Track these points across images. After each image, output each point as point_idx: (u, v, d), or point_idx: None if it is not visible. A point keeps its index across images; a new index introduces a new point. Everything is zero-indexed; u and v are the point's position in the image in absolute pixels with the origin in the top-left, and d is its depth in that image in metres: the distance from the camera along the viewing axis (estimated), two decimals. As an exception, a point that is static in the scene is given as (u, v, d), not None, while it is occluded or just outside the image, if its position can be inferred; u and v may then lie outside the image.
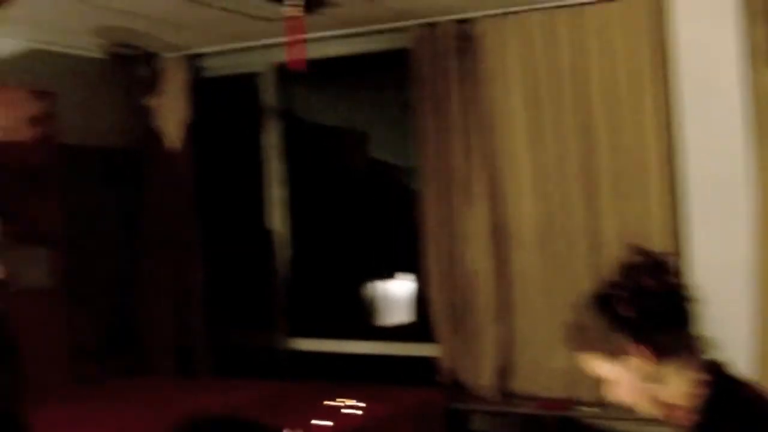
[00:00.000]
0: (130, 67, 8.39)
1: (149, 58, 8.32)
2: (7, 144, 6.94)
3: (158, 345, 8.23)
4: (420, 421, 6.73)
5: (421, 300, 7.68)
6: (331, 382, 7.26)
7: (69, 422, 6.20)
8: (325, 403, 6.38)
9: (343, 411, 6.27)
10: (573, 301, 3.24)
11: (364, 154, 9.04)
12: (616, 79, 6.77)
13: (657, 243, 6.40)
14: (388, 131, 8.95)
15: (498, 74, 7.11)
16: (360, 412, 6.27)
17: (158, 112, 8.31)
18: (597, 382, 3.27)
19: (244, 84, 8.38)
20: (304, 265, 8.33)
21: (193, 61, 8.33)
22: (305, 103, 8.69)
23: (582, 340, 3.21)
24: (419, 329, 7.85)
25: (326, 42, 7.63)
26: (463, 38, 7.20)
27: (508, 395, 7.16)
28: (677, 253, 6.44)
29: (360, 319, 8.76)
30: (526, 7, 6.97)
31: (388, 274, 8.83)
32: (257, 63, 8.24)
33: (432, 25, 7.26)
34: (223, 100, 8.59)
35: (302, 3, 4.94)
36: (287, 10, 4.90)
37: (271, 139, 8.28)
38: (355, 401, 6.39)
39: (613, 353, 3.13)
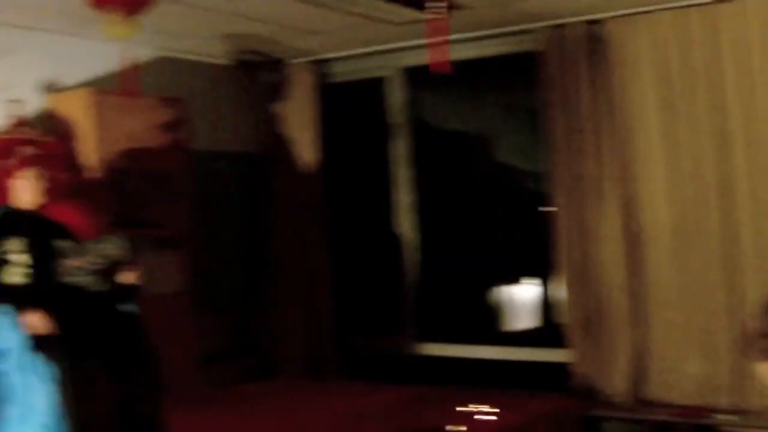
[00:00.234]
0: (257, 73, 8.45)
1: (276, 64, 8.37)
2: (140, 151, 7.03)
3: (287, 349, 8.27)
4: (554, 428, 6.64)
5: (548, 305, 7.59)
6: (460, 387, 7.21)
7: (203, 426, 6.23)
8: (458, 408, 6.33)
9: (477, 417, 6.20)
10: (751, 309, 3.11)
11: (490, 159, 8.96)
12: (752, 78, 6.59)
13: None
14: (514, 135, 8.86)
15: (629, 76, 6.99)
16: (494, 418, 6.21)
17: (286, 117, 8.35)
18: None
19: (371, 88, 8.36)
20: (431, 270, 8.28)
21: (320, 66, 8.35)
22: (432, 107, 8.64)
23: (765, 348, 3.05)
24: (546, 334, 7.76)
25: (454, 46, 7.53)
26: (594, 39, 7.09)
27: (641, 402, 7.02)
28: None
29: (487, 323, 8.68)
30: (657, 7, 6.84)
31: (514, 279, 8.74)
32: (384, 67, 8.23)
33: (561, 27, 7.17)
34: (350, 105, 8.58)
35: (445, 5, 4.90)
36: (430, 12, 4.86)
37: (399, 143, 8.25)
38: (487, 407, 6.32)
39: None
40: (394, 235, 8.26)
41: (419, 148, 8.25)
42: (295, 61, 8.31)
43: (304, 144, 8.25)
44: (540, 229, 7.45)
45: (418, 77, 8.12)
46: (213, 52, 8.00)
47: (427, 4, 4.94)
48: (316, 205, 8.27)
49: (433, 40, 4.97)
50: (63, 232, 5.44)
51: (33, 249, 5.28)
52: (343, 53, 8.18)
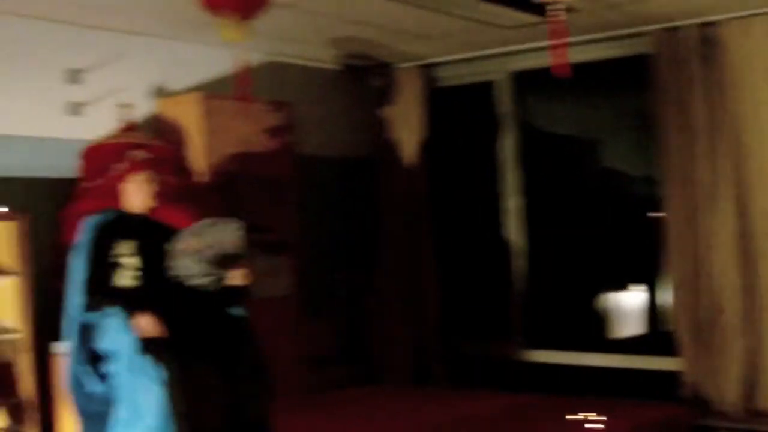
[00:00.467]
0: (364, 77, 8.46)
1: (384, 68, 8.37)
2: (250, 155, 7.08)
3: (393, 354, 8.25)
4: (664, 437, 6.54)
5: (657, 311, 7.48)
6: (567, 395, 7.13)
7: (308, 430, 6.23)
8: (567, 417, 6.25)
9: (586, 426, 6.12)
10: None
11: (598, 163, 8.87)
12: None
13: None
14: (622, 139, 8.77)
15: (745, 79, 6.84)
16: (602, 427, 6.11)
17: (393, 122, 8.34)
18: None
19: (479, 93, 8.31)
20: (539, 275, 8.20)
21: (428, 70, 8.33)
22: (539, 111, 8.57)
23: None
24: (655, 341, 7.65)
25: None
26: (707, 42, 6.97)
27: (753, 413, 6.88)
28: None
29: (594, 330, 8.59)
30: (772, 8, 6.72)
31: (622, 285, 8.64)
32: (492, 71, 8.18)
33: (674, 30, 7.06)
34: (458, 109, 8.54)
35: (564, 7, 4.85)
36: (551, 15, 4.82)
37: (507, 148, 8.19)
38: (595, 415, 6.24)
39: None
40: (501, 239, 8.20)
41: (526, 152, 8.19)
42: (403, 65, 8.31)
43: (411, 148, 8.24)
44: (648, 234, 7.35)
45: (526, 81, 8.07)
46: (321, 56, 8.03)
47: (548, 7, 4.89)
48: (423, 209, 8.24)
49: (554, 42, 4.92)
50: (173, 235, 5.47)
51: (143, 252, 5.33)
52: (451, 57, 8.15)
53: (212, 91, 7.07)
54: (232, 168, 6.99)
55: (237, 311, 5.49)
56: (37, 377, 5.84)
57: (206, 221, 5.40)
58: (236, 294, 5.43)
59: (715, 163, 6.93)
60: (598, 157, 8.91)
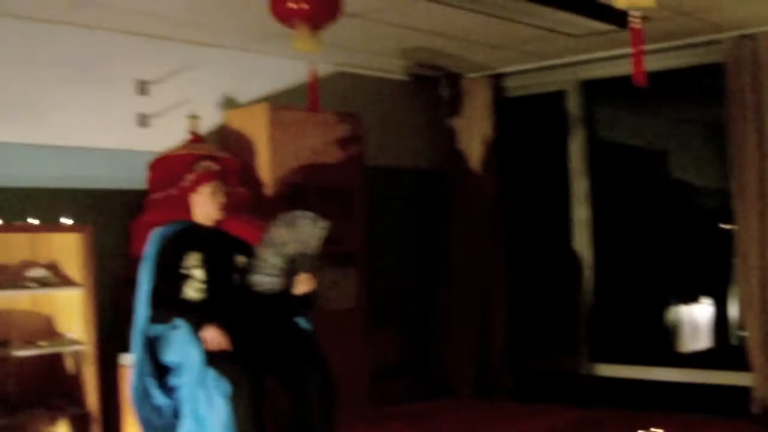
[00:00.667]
0: (432, 88, 8.44)
1: (452, 78, 8.35)
2: (317, 166, 7.07)
3: (459, 367, 8.20)
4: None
5: (726, 325, 7.38)
6: (635, 410, 7.05)
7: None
8: (638, 432, 6.19)
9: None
10: None
11: (666, 174, 8.79)
12: None
13: None
14: (690, 150, 8.69)
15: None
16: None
17: (461, 132, 8.30)
18: None
19: (547, 102, 8.26)
20: (606, 288, 8.11)
21: (496, 80, 8.28)
22: (607, 120, 8.49)
23: None
24: (724, 356, 7.55)
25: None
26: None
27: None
28: None
29: (662, 344, 8.50)
30: None
31: (691, 298, 8.55)
32: (561, 81, 8.11)
33: (748, 37, 6.94)
34: (526, 119, 8.48)
35: (641, 15, 4.80)
36: (632, 22, 4.76)
37: (575, 157, 8.11)
38: (664, 431, 6.16)
39: None
40: (569, 250, 8.13)
41: (595, 162, 8.11)
42: (471, 75, 8.27)
43: (480, 159, 8.19)
44: (719, 246, 7.25)
45: (594, 90, 8.00)
46: (390, 67, 8.02)
47: (629, 15, 4.83)
48: (491, 221, 8.19)
49: (632, 50, 4.87)
50: (241, 246, 5.47)
51: (209, 263, 5.31)
52: (520, 67, 8.10)
53: (280, 102, 7.08)
54: (300, 179, 6.98)
55: (303, 323, 5.47)
56: (104, 389, 5.86)
57: (298, 213, 5.42)
58: (303, 304, 5.42)
59: (789, 176, 6.83)
60: (667, 168, 8.83)
